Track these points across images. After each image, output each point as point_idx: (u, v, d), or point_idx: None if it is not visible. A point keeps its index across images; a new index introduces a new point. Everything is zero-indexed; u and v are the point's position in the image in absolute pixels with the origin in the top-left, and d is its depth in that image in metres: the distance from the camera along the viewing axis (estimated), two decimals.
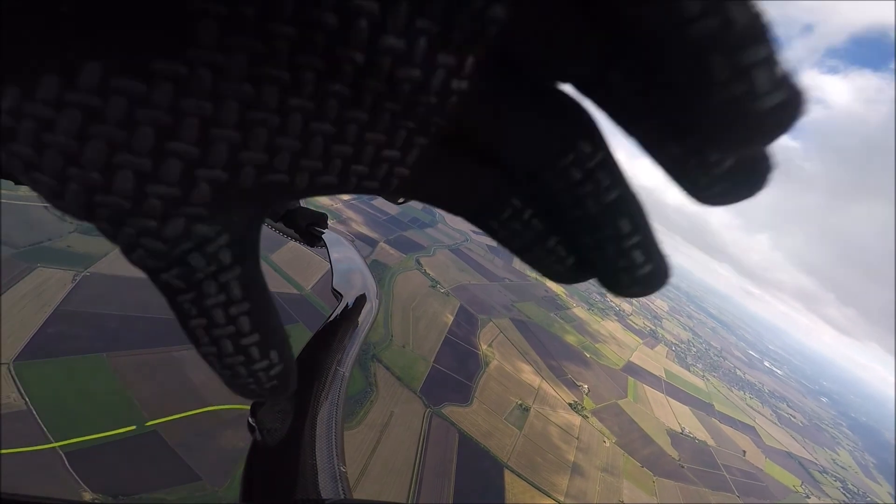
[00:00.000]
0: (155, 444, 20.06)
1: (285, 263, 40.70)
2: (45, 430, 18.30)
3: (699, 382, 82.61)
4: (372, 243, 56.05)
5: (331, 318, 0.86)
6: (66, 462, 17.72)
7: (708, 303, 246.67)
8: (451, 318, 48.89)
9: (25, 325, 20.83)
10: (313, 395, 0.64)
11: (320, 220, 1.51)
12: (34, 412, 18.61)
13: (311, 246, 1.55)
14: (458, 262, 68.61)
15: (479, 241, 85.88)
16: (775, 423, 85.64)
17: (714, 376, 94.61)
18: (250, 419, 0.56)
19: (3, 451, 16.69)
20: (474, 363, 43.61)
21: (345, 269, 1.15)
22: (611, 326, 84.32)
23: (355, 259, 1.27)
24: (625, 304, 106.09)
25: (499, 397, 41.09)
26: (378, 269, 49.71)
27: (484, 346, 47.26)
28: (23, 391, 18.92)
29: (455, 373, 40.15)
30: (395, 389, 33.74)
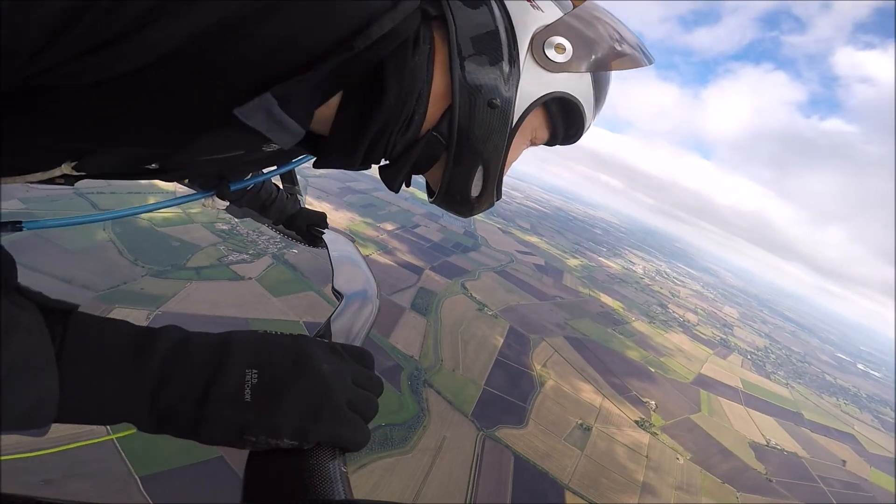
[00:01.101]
0: (222, 471, 20.99)
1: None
2: (126, 460, 19.79)
3: (783, 391, 75.88)
4: (417, 271, 56.82)
5: (331, 318, 0.84)
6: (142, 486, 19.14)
7: (782, 306, 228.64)
8: (500, 340, 48.14)
9: None
10: None
11: (320, 220, 1.55)
12: (116, 443, 20.14)
13: (312, 246, 1.58)
14: (505, 283, 67.88)
15: (526, 262, 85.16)
16: (878, 429, 76.67)
17: (799, 383, 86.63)
18: None
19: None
20: (528, 384, 42.35)
21: (346, 268, 1.14)
22: (676, 339, 79.80)
23: (356, 258, 1.25)
24: (689, 315, 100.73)
25: (557, 418, 39.46)
26: (424, 296, 50.14)
27: (538, 367, 45.97)
28: (108, 427, 20.32)
29: (507, 395, 39.06)
30: (446, 414, 33.25)
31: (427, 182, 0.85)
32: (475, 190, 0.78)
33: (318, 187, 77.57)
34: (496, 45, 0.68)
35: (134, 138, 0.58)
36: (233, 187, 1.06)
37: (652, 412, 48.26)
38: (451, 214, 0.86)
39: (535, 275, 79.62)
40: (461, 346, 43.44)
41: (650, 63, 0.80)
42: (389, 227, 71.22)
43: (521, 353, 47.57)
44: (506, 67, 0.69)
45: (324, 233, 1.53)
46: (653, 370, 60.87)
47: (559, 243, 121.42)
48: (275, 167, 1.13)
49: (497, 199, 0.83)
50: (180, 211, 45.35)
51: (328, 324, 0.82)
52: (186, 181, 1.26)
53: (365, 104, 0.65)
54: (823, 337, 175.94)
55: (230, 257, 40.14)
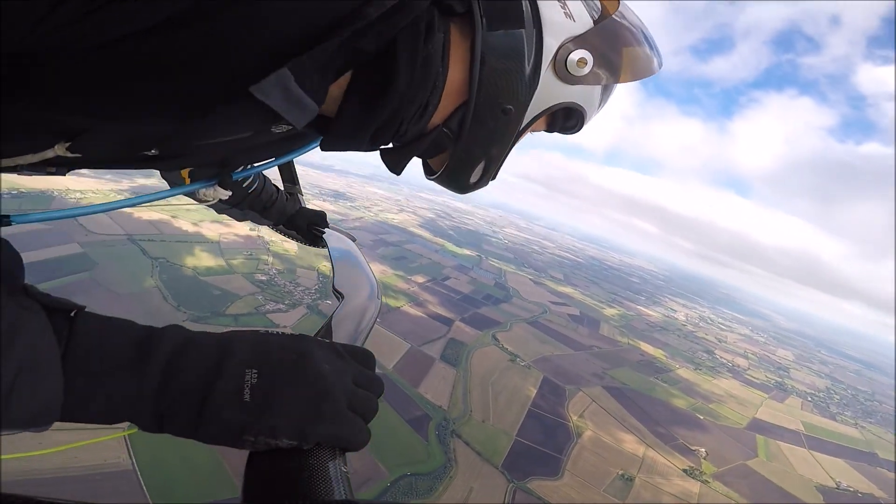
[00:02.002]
0: None
1: (369, 344, 41.79)
2: (144, 489, 20.29)
3: (852, 431, 68.83)
4: (447, 322, 56.79)
5: (332, 318, 0.84)
6: None
7: (842, 345, 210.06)
8: (534, 391, 46.75)
9: None
10: None
11: (320, 219, 1.54)
12: (138, 473, 20.77)
13: (313, 245, 1.57)
14: (538, 334, 66.58)
15: (560, 312, 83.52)
16: None
17: (870, 422, 78.35)
18: None
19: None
20: (564, 435, 40.50)
21: (346, 268, 1.14)
22: (726, 384, 74.86)
23: (357, 258, 1.24)
24: (739, 360, 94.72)
25: (595, 469, 37.24)
26: (454, 347, 49.90)
27: (574, 417, 44.06)
28: (132, 453, 21.46)
29: (541, 446, 37.40)
30: (474, 464, 32.09)
31: (426, 168, 0.90)
32: (474, 178, 0.82)
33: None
34: (520, 51, 0.68)
35: (134, 112, 0.55)
36: (235, 176, 1.04)
37: (702, 460, 44.80)
38: (447, 190, 0.90)
39: (570, 325, 77.69)
40: (492, 397, 42.45)
41: (658, 70, 0.83)
42: (420, 279, 72.22)
43: (556, 404, 45.86)
44: (527, 74, 0.70)
45: (324, 232, 1.52)
46: (701, 417, 57.07)
47: (595, 293, 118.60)
48: (274, 158, 1.06)
49: (493, 179, 0.86)
50: (223, 262, 49.18)
51: (329, 323, 0.81)
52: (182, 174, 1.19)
53: (376, 85, 0.65)
54: (892, 374, 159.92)
55: (267, 306, 42.17)
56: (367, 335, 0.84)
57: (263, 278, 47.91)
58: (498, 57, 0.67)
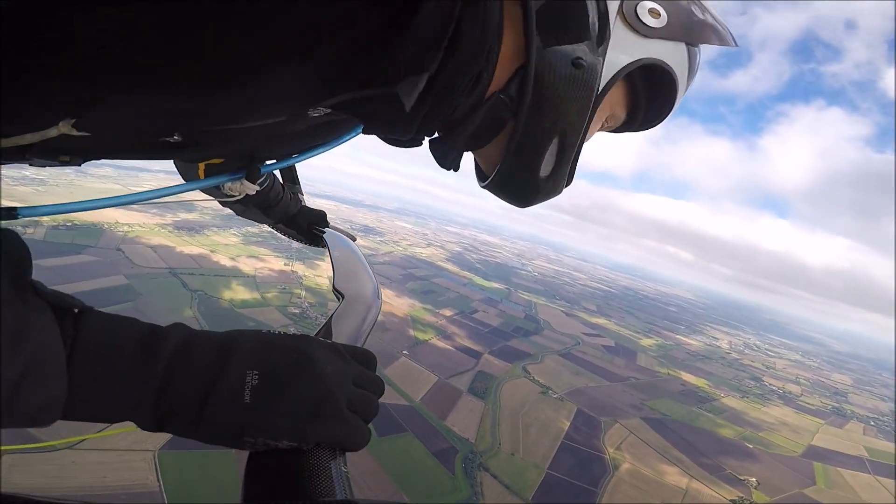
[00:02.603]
0: None
1: (397, 377, 43.03)
2: None
3: None
4: (475, 355, 56.28)
5: (332, 318, 0.84)
6: None
7: None
8: (567, 423, 45.26)
9: None
10: None
11: (320, 219, 1.53)
12: (164, 494, 21.36)
13: (313, 245, 1.55)
14: (572, 366, 64.81)
15: (594, 343, 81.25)
16: None
17: None
18: None
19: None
20: (600, 468, 38.75)
21: (347, 268, 1.14)
22: (777, 412, 70.23)
23: (357, 258, 1.25)
24: (791, 386, 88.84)
25: (634, 502, 35.34)
26: (483, 380, 49.21)
27: (610, 450, 42.19)
28: (159, 475, 22.19)
29: (575, 479, 35.89)
30: (502, 497, 31.11)
31: (477, 165, 0.80)
32: (545, 168, 0.69)
33: (382, 273, 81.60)
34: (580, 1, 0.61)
35: (159, 78, 0.44)
36: (263, 170, 0.94)
37: (753, 490, 41.89)
38: (507, 202, 0.77)
39: (605, 356, 75.31)
40: (522, 430, 41.34)
41: (736, 45, 0.74)
42: (448, 312, 72.17)
43: (590, 437, 44.11)
44: (592, 26, 0.61)
45: (325, 232, 1.51)
46: (751, 446, 53.62)
47: (630, 323, 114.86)
48: (315, 147, 0.95)
49: (567, 186, 0.75)
50: (258, 295, 51.71)
51: (329, 323, 0.81)
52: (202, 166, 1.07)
53: (430, 54, 0.53)
54: None
55: None
56: (368, 335, 0.83)
57: (296, 311, 50.45)
58: (555, 8, 0.60)
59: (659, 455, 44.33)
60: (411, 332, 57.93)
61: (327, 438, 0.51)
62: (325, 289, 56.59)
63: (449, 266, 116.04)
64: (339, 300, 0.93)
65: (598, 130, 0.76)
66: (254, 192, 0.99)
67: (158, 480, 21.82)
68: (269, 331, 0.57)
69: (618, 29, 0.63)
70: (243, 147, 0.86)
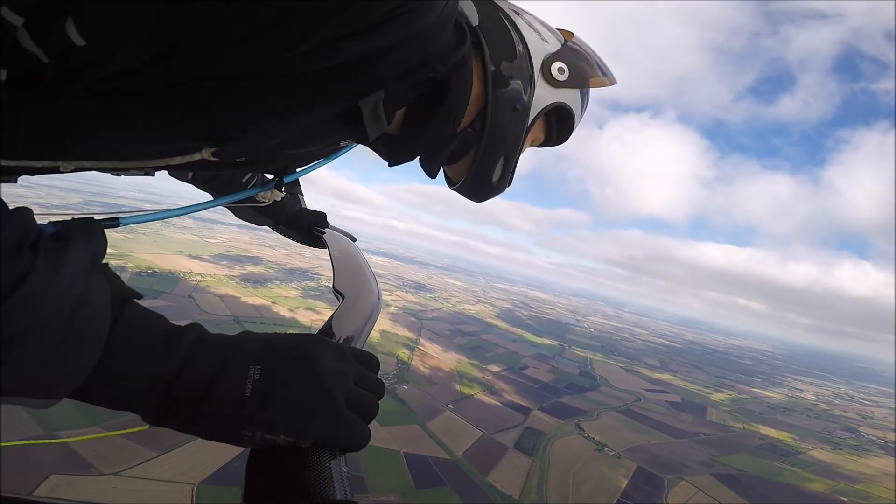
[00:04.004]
0: None
1: (439, 430, 42.35)
2: None
3: None
4: (524, 411, 54.30)
5: (332, 318, 0.84)
6: None
7: None
8: (625, 482, 42.00)
9: (217, 457, 25.65)
10: None
11: (320, 219, 1.59)
12: None
13: (313, 246, 1.60)
14: (631, 422, 60.65)
15: (657, 399, 75.87)
16: None
17: None
18: None
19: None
20: None
21: (347, 268, 1.16)
22: (878, 463, 61.69)
23: (358, 258, 1.26)
24: (893, 435, 77.46)
25: None
26: (531, 436, 47.20)
27: None
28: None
29: None
30: None
31: (447, 175, 1.07)
32: (496, 176, 0.99)
33: (430, 329, 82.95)
34: (519, 65, 0.90)
35: (278, 128, 0.69)
36: (286, 180, 1.21)
37: None
38: (469, 199, 1.08)
39: (670, 412, 69.80)
40: (572, 488, 38.74)
41: (615, 83, 1.05)
42: (496, 368, 70.69)
43: (651, 495, 40.57)
44: (525, 82, 0.91)
45: (325, 233, 1.54)
46: (846, 499, 47.78)
47: (698, 378, 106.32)
48: (320, 160, 1.20)
49: (509, 186, 1.04)
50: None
51: (329, 323, 0.82)
52: (201, 184, 1.42)
53: (428, 107, 0.85)
54: None
55: None
56: (368, 334, 0.86)
57: None
58: (504, 69, 0.89)
59: None
60: (457, 387, 57.13)
61: (325, 436, 0.52)
62: (377, 341, 58.12)
63: (498, 322, 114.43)
64: (339, 300, 0.95)
65: (528, 146, 1.04)
66: (280, 200, 1.32)
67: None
68: (276, 333, 0.60)
69: (540, 81, 0.94)
70: (282, 163, 1.14)
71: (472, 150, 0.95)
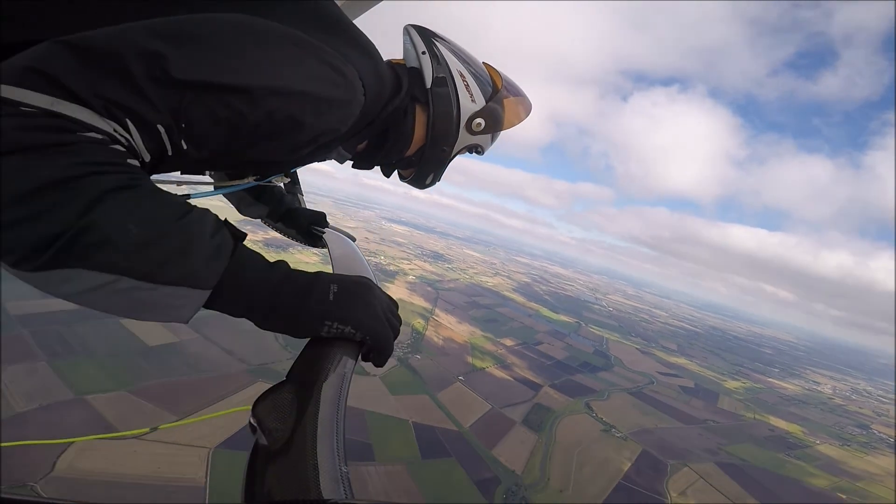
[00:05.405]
0: None
1: (448, 401, 43.23)
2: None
3: None
4: (535, 387, 54.85)
5: None
6: None
7: None
8: (627, 464, 42.29)
9: (231, 424, 26.71)
10: (314, 395, 0.64)
11: (320, 219, 1.66)
12: (207, 490, 23.03)
13: (313, 246, 1.66)
14: (641, 405, 60.73)
15: (669, 383, 75.73)
16: None
17: None
18: (251, 419, 0.60)
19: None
20: None
21: (347, 267, 1.22)
22: (884, 462, 61.22)
23: (358, 258, 1.32)
24: None
25: None
26: (539, 413, 47.89)
27: (673, 494, 38.93)
28: (208, 473, 24.08)
29: None
30: None
31: (400, 174, 1.50)
32: (429, 181, 1.46)
33: (446, 300, 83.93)
34: (451, 120, 1.29)
35: (294, 164, 1.31)
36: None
37: None
38: (409, 186, 1.54)
39: (682, 397, 69.57)
40: (575, 467, 39.25)
41: (522, 120, 1.50)
42: (509, 342, 71.21)
43: (653, 480, 40.79)
44: (454, 131, 1.31)
45: (324, 232, 1.60)
46: (844, 496, 47.71)
47: (714, 365, 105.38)
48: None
49: (437, 181, 1.50)
50: None
51: None
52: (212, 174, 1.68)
53: (379, 143, 1.31)
54: None
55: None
56: None
57: None
58: (441, 122, 1.28)
59: (729, 503, 40.05)
60: (469, 359, 57.85)
61: (374, 333, 0.77)
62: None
63: (515, 296, 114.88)
64: None
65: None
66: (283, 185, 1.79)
67: (206, 477, 23.51)
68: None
69: (462, 131, 1.32)
70: (282, 170, 1.51)
71: (414, 167, 1.39)
